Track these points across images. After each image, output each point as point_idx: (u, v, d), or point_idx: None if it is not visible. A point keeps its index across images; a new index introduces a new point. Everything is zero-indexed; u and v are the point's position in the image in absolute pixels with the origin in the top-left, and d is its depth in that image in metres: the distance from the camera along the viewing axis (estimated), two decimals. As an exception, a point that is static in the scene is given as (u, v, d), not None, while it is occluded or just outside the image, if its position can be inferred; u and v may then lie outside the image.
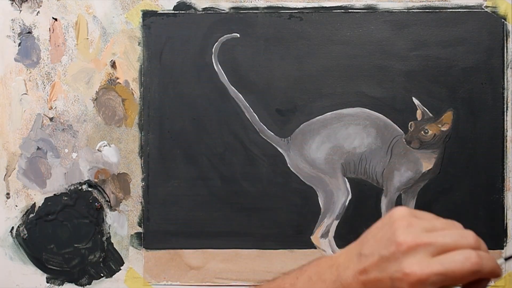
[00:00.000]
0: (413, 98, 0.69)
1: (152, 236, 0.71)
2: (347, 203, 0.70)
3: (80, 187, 0.71)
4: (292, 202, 0.70)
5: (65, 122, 0.71)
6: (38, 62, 0.71)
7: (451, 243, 0.45)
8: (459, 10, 0.69)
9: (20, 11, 0.71)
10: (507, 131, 0.69)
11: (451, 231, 0.47)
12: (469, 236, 0.47)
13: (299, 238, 0.70)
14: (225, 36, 0.70)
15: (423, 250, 0.44)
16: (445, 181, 0.69)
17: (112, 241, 0.71)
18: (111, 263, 0.71)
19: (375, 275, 0.46)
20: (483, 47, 0.69)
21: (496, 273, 0.45)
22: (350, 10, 0.69)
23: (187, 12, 0.70)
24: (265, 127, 0.70)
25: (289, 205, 0.70)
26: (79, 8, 0.71)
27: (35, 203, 0.71)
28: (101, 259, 0.71)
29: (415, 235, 0.45)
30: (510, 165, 0.69)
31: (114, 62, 0.71)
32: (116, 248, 0.71)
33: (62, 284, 0.71)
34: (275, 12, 0.70)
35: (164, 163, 0.70)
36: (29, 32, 0.71)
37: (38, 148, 0.71)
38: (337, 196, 0.70)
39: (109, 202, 0.71)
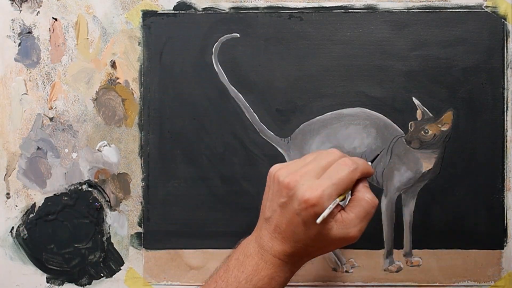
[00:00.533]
0: (413, 98, 0.69)
1: (152, 236, 0.71)
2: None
3: (80, 187, 0.71)
4: (292, 202, 0.70)
5: (65, 122, 0.71)
6: (38, 62, 0.71)
7: (325, 162, 0.52)
8: (459, 10, 0.69)
9: (20, 11, 0.71)
10: (507, 131, 0.69)
11: (319, 155, 0.53)
12: (334, 151, 0.54)
13: (299, 238, 0.70)
14: (225, 36, 0.70)
15: (307, 177, 0.51)
16: (445, 181, 0.69)
17: (112, 241, 0.71)
18: (111, 263, 0.71)
19: (285, 221, 0.51)
20: (483, 47, 0.69)
21: (367, 166, 0.54)
22: (350, 10, 0.69)
23: (187, 12, 0.70)
24: (265, 127, 0.70)
25: (289, 205, 0.69)
26: (79, 8, 0.71)
27: (35, 203, 0.71)
28: (101, 259, 0.71)
29: (294, 172, 0.52)
30: (510, 165, 0.69)
31: (114, 62, 0.71)
32: (116, 248, 0.71)
33: (62, 284, 0.71)
34: (275, 12, 0.70)
35: (164, 163, 0.70)
36: (29, 32, 0.71)
37: (38, 148, 0.71)
38: (337, 196, 0.69)
39: (109, 202, 0.71)
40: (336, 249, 0.53)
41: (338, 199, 0.51)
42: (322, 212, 0.49)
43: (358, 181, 0.54)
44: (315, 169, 0.52)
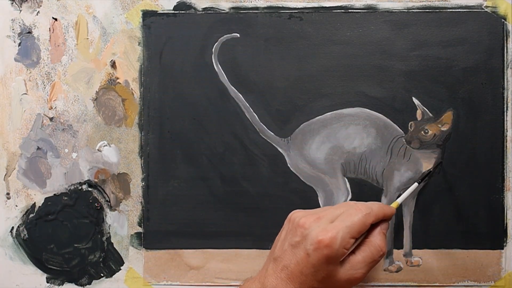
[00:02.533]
0: (413, 98, 0.69)
1: (152, 236, 0.71)
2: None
3: (80, 187, 0.71)
4: (292, 202, 0.70)
5: (65, 122, 0.71)
6: (38, 62, 0.71)
7: (338, 211, 0.53)
8: (459, 10, 0.69)
9: (20, 11, 0.71)
10: (507, 131, 0.69)
11: (337, 206, 0.55)
12: (351, 203, 0.55)
13: (299, 238, 0.70)
14: (225, 36, 0.70)
15: (322, 220, 0.52)
16: (445, 181, 0.69)
17: (112, 241, 0.71)
18: (111, 263, 0.71)
19: (294, 261, 0.51)
20: (483, 47, 0.69)
21: (385, 212, 0.54)
22: (350, 10, 0.69)
23: (187, 12, 0.70)
24: (265, 127, 0.70)
25: (289, 205, 0.70)
26: (79, 8, 0.71)
27: (35, 203, 0.71)
28: (101, 259, 0.71)
29: (311, 216, 0.53)
30: (510, 165, 0.69)
31: (114, 62, 0.71)
32: (116, 248, 0.71)
33: (62, 284, 0.71)
34: (275, 12, 0.70)
35: (164, 163, 0.70)
36: (29, 32, 0.71)
37: (38, 148, 0.71)
38: (337, 196, 0.70)
39: (109, 202, 0.71)
40: None
41: (354, 244, 0.52)
42: (334, 254, 0.50)
43: (376, 225, 0.55)
44: (330, 215, 0.53)
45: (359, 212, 0.53)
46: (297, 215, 0.54)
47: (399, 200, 0.62)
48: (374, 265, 0.54)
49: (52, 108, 0.71)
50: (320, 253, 0.50)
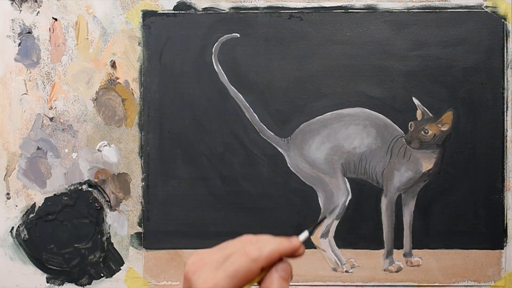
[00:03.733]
0: (413, 98, 0.69)
1: (152, 236, 0.71)
2: (347, 203, 0.70)
3: (80, 187, 0.71)
4: (292, 202, 0.70)
5: (65, 122, 0.71)
6: (38, 62, 0.71)
7: (229, 251, 0.46)
8: (459, 10, 0.69)
9: (20, 11, 0.71)
10: (507, 131, 0.69)
11: (229, 243, 0.47)
12: (245, 238, 0.46)
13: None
14: (225, 36, 0.70)
15: (207, 268, 0.45)
16: (445, 181, 0.69)
17: (112, 241, 0.71)
18: (111, 263, 0.71)
19: None
20: (483, 47, 0.69)
21: (282, 250, 0.45)
22: (350, 10, 0.69)
23: (187, 12, 0.70)
24: (265, 127, 0.70)
25: (289, 205, 0.70)
26: (79, 8, 0.71)
27: (35, 203, 0.71)
28: (101, 259, 0.71)
29: (198, 260, 0.46)
30: (510, 165, 0.69)
31: (114, 62, 0.71)
32: (116, 248, 0.71)
33: (62, 284, 0.71)
34: (275, 12, 0.70)
35: (164, 163, 0.70)
36: (29, 32, 0.71)
37: (38, 148, 0.71)
38: (337, 196, 0.70)
39: (109, 202, 0.71)
40: None
41: None
42: None
43: (277, 263, 0.46)
44: (218, 259, 0.46)
45: (245, 258, 0.45)
46: (188, 261, 0.47)
47: (301, 237, 0.53)
48: None
49: (52, 108, 0.71)
50: None
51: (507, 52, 0.69)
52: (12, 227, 0.71)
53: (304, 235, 0.48)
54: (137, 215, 0.71)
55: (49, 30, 0.71)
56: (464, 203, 0.69)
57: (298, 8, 0.70)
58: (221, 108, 0.70)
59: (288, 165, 0.70)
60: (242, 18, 0.70)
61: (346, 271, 0.70)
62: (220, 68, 0.70)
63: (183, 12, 0.70)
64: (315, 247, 0.70)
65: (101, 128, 0.71)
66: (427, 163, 0.69)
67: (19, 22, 0.71)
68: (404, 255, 0.70)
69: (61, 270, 0.71)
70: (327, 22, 0.70)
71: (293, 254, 0.46)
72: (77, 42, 0.71)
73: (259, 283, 0.45)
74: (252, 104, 0.70)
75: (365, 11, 0.69)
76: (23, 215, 0.71)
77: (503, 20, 0.69)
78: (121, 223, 0.71)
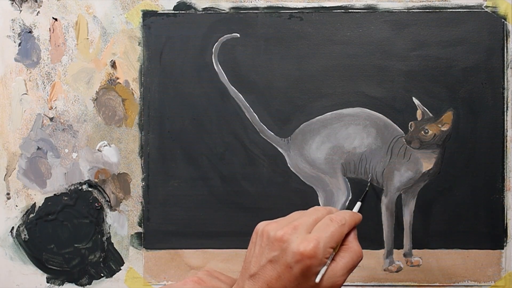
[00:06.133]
0: (413, 98, 0.69)
1: (152, 236, 0.71)
2: (347, 203, 0.70)
3: (80, 187, 0.71)
4: (292, 202, 0.70)
5: (65, 122, 0.71)
6: (38, 62, 0.71)
7: (314, 218, 0.52)
8: (459, 10, 0.69)
9: (20, 11, 0.71)
10: (507, 131, 0.69)
11: (306, 212, 0.53)
12: (319, 208, 0.54)
13: (299, 238, 0.70)
14: (225, 36, 0.70)
15: (299, 231, 0.50)
16: (445, 181, 0.69)
17: (112, 241, 0.71)
18: (111, 263, 0.71)
19: (275, 277, 0.50)
20: (483, 47, 0.69)
21: (356, 220, 0.54)
22: (350, 10, 0.69)
23: (187, 12, 0.70)
24: (265, 127, 0.70)
25: (289, 205, 0.70)
26: (79, 8, 0.71)
27: (35, 203, 0.71)
28: (101, 259, 0.71)
29: (285, 226, 0.51)
30: (510, 165, 0.69)
31: (114, 62, 0.71)
32: (116, 248, 0.71)
33: (62, 284, 0.71)
34: (275, 12, 0.70)
35: (164, 163, 0.70)
36: (29, 32, 0.71)
37: (38, 148, 0.71)
38: (337, 196, 0.70)
39: (109, 202, 0.71)
40: None
41: (333, 254, 0.51)
42: (317, 264, 0.49)
43: (348, 232, 0.54)
44: (305, 224, 0.51)
45: (335, 223, 0.51)
46: (270, 228, 0.52)
47: (356, 208, 0.60)
48: (353, 270, 0.53)
49: (52, 108, 0.71)
50: (303, 264, 0.48)
51: (507, 52, 0.69)
52: (12, 227, 0.71)
53: (358, 205, 0.59)
54: (137, 215, 0.71)
55: (49, 30, 0.71)
56: (464, 203, 0.69)
57: (298, 8, 0.70)
58: (221, 108, 0.70)
59: (288, 165, 0.70)
60: (242, 18, 0.70)
61: (346, 271, 0.70)
62: (220, 68, 0.70)
63: (183, 12, 0.70)
64: (315, 247, 0.70)
65: (101, 128, 0.71)
66: (427, 163, 0.69)
67: (19, 22, 0.71)
68: (404, 255, 0.70)
69: (61, 270, 0.71)
70: (327, 22, 0.70)
71: (358, 224, 0.54)
72: (77, 42, 0.71)
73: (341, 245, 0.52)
74: (252, 104, 0.70)
75: (365, 11, 0.69)
76: (23, 215, 0.71)
77: (503, 20, 0.69)
78: (121, 223, 0.71)
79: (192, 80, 0.70)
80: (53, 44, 0.71)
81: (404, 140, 0.69)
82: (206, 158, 0.70)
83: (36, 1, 0.71)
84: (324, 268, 0.49)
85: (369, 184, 0.69)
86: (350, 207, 0.69)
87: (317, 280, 0.49)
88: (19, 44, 0.71)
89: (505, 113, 0.69)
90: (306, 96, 0.70)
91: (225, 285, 0.55)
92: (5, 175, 0.71)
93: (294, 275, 0.49)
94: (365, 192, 0.63)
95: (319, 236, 0.50)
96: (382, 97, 0.69)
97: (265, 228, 0.52)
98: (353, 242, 0.53)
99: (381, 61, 0.69)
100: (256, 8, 0.70)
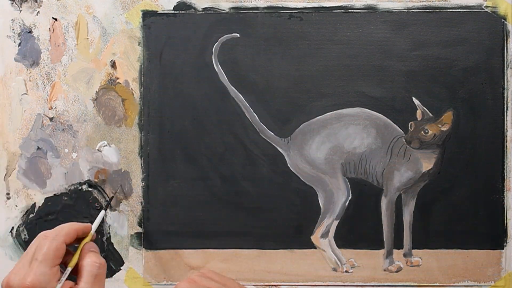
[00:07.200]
0: (413, 98, 0.69)
1: (152, 236, 0.71)
2: (347, 203, 0.70)
3: (80, 187, 0.71)
4: (292, 202, 0.70)
5: (65, 122, 0.71)
6: (38, 62, 0.71)
7: (33, 248, 0.50)
8: (459, 10, 0.69)
9: (20, 11, 0.71)
10: (507, 131, 0.69)
11: (30, 246, 0.52)
12: (41, 234, 0.52)
13: (299, 238, 0.70)
14: (225, 36, 0.70)
15: (19, 266, 0.49)
16: (445, 181, 0.69)
17: (112, 241, 0.71)
18: (111, 263, 0.71)
19: None
20: (483, 47, 0.69)
21: (77, 228, 0.54)
22: (350, 10, 0.69)
23: (187, 12, 0.70)
24: (265, 127, 0.70)
25: (289, 205, 0.70)
26: (79, 8, 0.71)
27: (35, 203, 0.71)
28: (101, 259, 0.71)
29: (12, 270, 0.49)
30: (510, 165, 0.69)
31: (114, 62, 0.71)
32: (116, 248, 0.71)
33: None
34: (275, 12, 0.70)
35: (164, 163, 0.70)
36: (29, 32, 0.71)
37: (38, 148, 0.71)
38: (337, 196, 0.70)
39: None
40: None
41: (68, 271, 0.51)
42: None
43: (83, 249, 0.54)
44: (25, 256, 0.50)
45: (47, 240, 0.50)
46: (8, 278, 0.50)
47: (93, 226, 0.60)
48: (103, 280, 0.52)
49: (52, 108, 0.71)
50: None
51: (507, 52, 0.69)
52: (12, 227, 0.71)
53: (101, 214, 0.61)
54: (137, 215, 0.71)
55: (49, 30, 0.71)
56: (464, 203, 0.69)
57: (298, 8, 0.70)
58: (221, 108, 0.70)
59: (288, 165, 0.70)
60: (242, 18, 0.70)
61: (346, 271, 0.70)
62: (220, 68, 0.70)
63: (183, 12, 0.70)
64: (315, 247, 0.70)
65: (101, 128, 0.71)
66: (427, 163, 0.69)
67: (19, 22, 0.71)
68: (404, 255, 0.70)
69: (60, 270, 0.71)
70: (327, 22, 0.70)
71: (85, 233, 0.55)
72: (77, 42, 0.71)
73: None
74: (252, 104, 0.70)
75: (365, 11, 0.69)
76: (23, 215, 0.71)
77: (503, 20, 0.69)
78: (121, 223, 0.71)
79: (192, 80, 0.70)
80: (53, 44, 0.71)
81: (404, 140, 0.69)
82: (206, 158, 0.70)
83: (36, 1, 0.71)
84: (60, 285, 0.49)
85: (113, 195, 0.70)
86: (349, 207, 0.70)
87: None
88: (19, 44, 0.71)
89: (505, 113, 0.69)
90: (306, 96, 0.70)
91: (218, 285, 0.56)
92: (5, 175, 0.71)
93: None
94: (110, 200, 0.66)
95: (34, 265, 0.49)
96: (382, 97, 0.69)
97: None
98: (86, 257, 0.52)
99: (381, 61, 0.69)
100: (256, 8, 0.70)
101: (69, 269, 0.51)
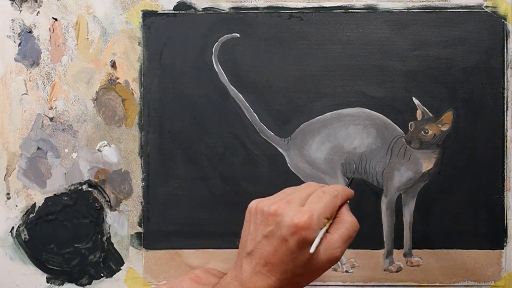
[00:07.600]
0: (413, 98, 0.69)
1: (152, 236, 0.71)
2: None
3: (80, 187, 0.71)
4: (292, 202, 0.70)
5: (65, 122, 0.71)
6: (38, 62, 0.71)
7: (307, 192, 0.53)
8: (459, 10, 0.69)
9: (20, 11, 0.71)
10: (507, 131, 0.69)
11: (298, 188, 0.54)
12: (312, 183, 0.55)
13: (299, 238, 0.70)
14: (225, 36, 0.70)
15: (292, 205, 0.50)
16: (445, 181, 0.69)
17: (112, 241, 0.71)
18: (111, 263, 0.71)
19: (271, 251, 0.50)
20: (483, 47, 0.69)
21: (348, 193, 0.55)
22: (350, 10, 0.69)
23: (187, 12, 0.70)
24: (265, 127, 0.70)
25: (289, 205, 0.70)
26: (79, 8, 0.71)
27: (35, 203, 0.71)
28: (101, 259, 0.71)
29: (278, 201, 0.51)
30: (510, 165, 0.69)
31: (114, 62, 0.71)
32: (116, 248, 0.71)
33: (62, 284, 0.71)
34: (275, 12, 0.70)
35: (164, 163, 0.70)
36: (29, 32, 0.71)
37: (38, 148, 0.71)
38: (337, 196, 0.69)
39: (109, 202, 0.71)
40: (321, 274, 0.52)
41: (327, 225, 0.51)
42: (312, 235, 0.49)
43: (340, 206, 0.54)
44: (299, 198, 0.52)
45: (328, 195, 0.52)
46: (263, 204, 0.52)
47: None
48: (350, 242, 0.53)
49: (52, 108, 0.71)
50: (298, 236, 0.48)
51: (507, 52, 0.69)
52: (12, 227, 0.71)
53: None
54: (137, 215, 0.71)
55: (49, 30, 0.71)
56: (464, 203, 0.69)
57: (298, 8, 0.70)
58: (221, 108, 0.70)
59: (288, 165, 0.70)
60: (242, 18, 0.70)
61: (346, 271, 0.70)
62: (220, 68, 0.70)
63: (183, 12, 0.70)
64: (315, 247, 0.70)
65: (101, 128, 0.71)
66: (427, 163, 0.69)
67: (19, 22, 0.71)
68: (404, 255, 0.70)
69: (61, 270, 0.71)
70: (327, 22, 0.70)
71: (350, 198, 0.55)
72: (77, 42, 0.71)
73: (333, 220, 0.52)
74: (252, 104, 0.70)
75: (365, 11, 0.69)
76: (23, 215, 0.71)
77: (503, 20, 0.69)
78: (121, 223, 0.71)
79: (192, 80, 0.70)
80: (53, 44, 0.71)
81: (404, 140, 0.69)
82: (206, 158, 0.70)
83: (36, 1, 0.71)
84: (318, 237, 0.49)
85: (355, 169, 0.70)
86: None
87: (311, 250, 0.49)
88: (19, 44, 0.71)
89: (505, 113, 0.69)
90: (306, 96, 0.70)
91: None
92: (5, 175, 0.71)
93: (290, 248, 0.49)
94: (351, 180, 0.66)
95: (312, 207, 0.50)
96: (382, 97, 0.69)
97: (258, 205, 0.52)
98: (346, 214, 0.53)
99: (381, 61, 0.69)
100: (256, 8, 0.70)
101: (330, 221, 0.52)
